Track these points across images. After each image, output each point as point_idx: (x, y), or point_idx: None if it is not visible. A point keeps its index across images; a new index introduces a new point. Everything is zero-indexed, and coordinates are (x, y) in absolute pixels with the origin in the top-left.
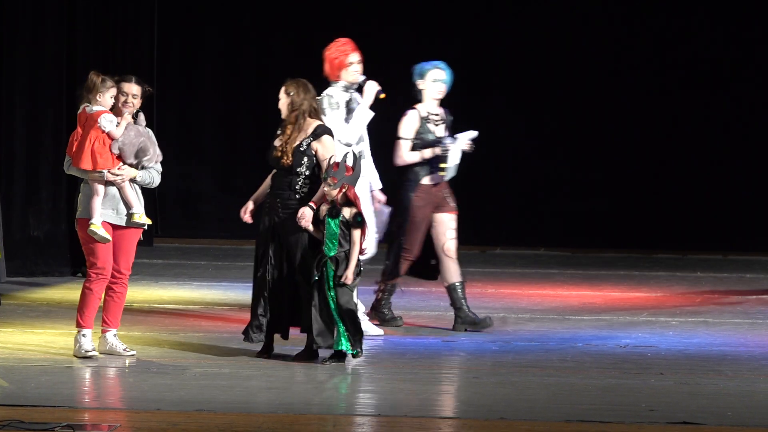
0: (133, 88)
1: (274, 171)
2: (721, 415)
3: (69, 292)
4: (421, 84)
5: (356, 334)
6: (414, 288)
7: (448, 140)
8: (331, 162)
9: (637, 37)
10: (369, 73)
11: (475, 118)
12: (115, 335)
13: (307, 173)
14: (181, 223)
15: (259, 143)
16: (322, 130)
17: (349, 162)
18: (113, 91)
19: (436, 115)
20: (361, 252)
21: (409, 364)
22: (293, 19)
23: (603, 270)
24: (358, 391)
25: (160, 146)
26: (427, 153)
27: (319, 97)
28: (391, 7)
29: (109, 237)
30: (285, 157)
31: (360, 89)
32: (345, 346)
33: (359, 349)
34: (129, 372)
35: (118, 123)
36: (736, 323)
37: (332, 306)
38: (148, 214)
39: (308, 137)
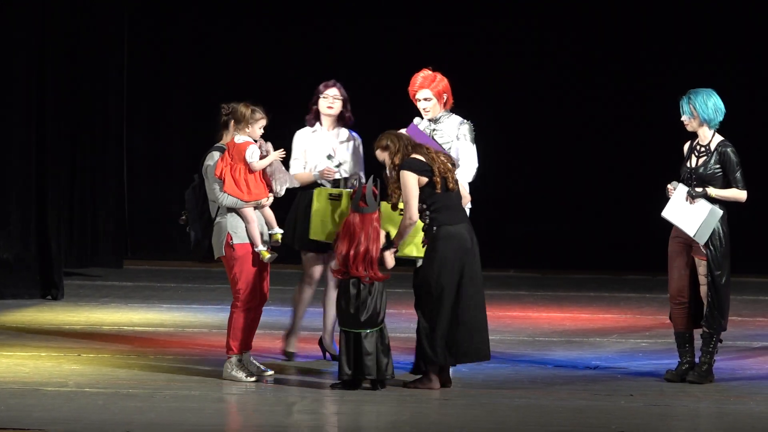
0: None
1: None
2: None
3: (38, 314)
4: None
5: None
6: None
7: (675, 183)
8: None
9: (603, 62)
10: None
11: None
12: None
13: (422, 206)
14: (150, 245)
15: None
16: (400, 166)
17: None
18: (263, 122)
19: (703, 147)
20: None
21: None
22: (264, 43)
23: (573, 291)
24: (327, 413)
25: (130, 168)
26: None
27: (467, 123)
28: (363, 35)
29: (276, 254)
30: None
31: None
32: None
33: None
34: (99, 395)
35: (263, 155)
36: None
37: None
38: (117, 236)
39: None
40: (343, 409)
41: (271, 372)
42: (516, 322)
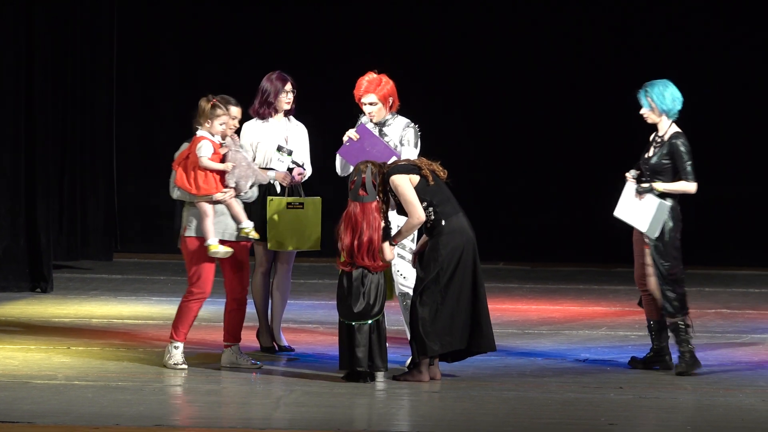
0: (236, 111)
1: None
2: (681, 428)
3: (27, 307)
4: None
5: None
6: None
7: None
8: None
9: (590, 54)
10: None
11: (430, 133)
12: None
13: (424, 204)
14: (140, 237)
15: None
16: (388, 174)
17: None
18: (224, 119)
19: (659, 138)
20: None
21: None
22: (253, 36)
23: (562, 284)
24: (316, 406)
25: (119, 161)
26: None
27: (412, 127)
28: (342, 29)
29: (231, 250)
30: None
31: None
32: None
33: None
34: (88, 388)
35: (219, 148)
36: (695, 337)
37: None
38: (107, 228)
39: (389, 187)
40: (332, 402)
41: (260, 364)
42: (505, 315)
